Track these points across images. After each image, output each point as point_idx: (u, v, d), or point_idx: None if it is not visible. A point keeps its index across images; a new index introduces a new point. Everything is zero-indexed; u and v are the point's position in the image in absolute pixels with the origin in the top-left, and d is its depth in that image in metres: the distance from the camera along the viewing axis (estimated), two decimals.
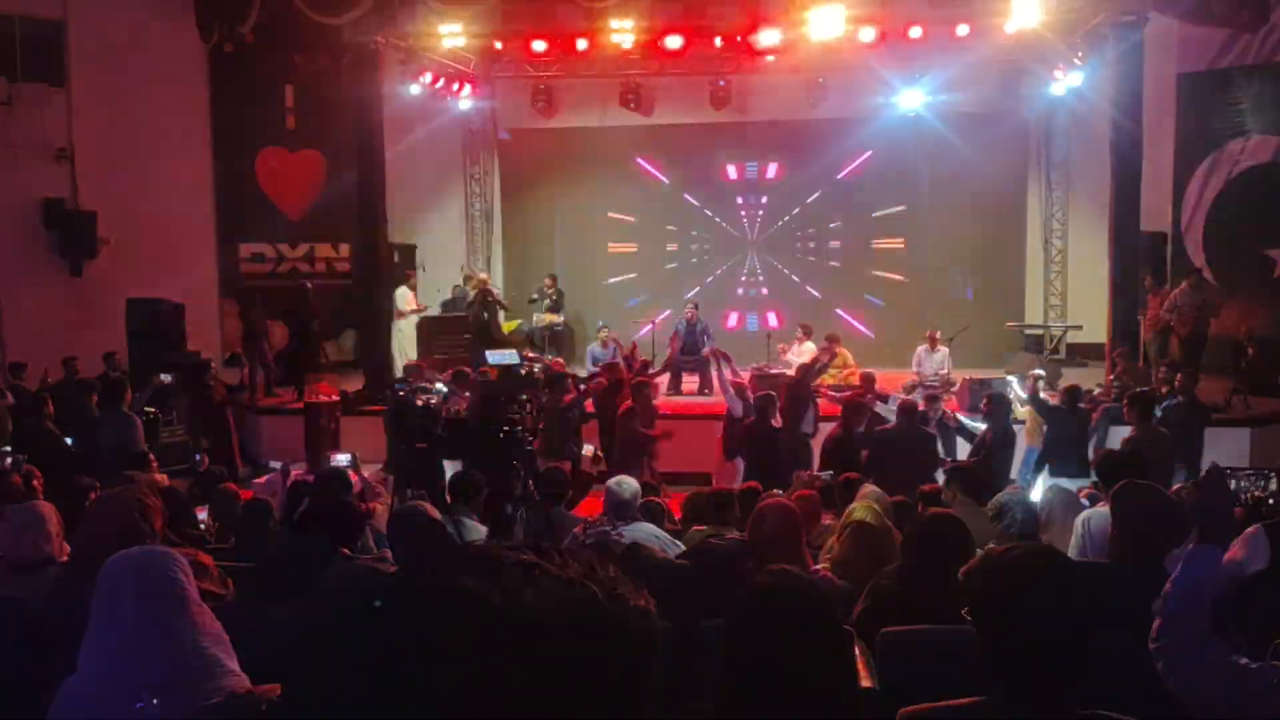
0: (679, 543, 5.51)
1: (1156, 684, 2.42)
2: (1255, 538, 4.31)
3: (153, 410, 11.12)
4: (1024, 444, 10.03)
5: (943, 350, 13.98)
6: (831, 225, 17.79)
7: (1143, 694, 2.41)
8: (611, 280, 18.21)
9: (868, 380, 11.22)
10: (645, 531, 5.31)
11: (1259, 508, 3.23)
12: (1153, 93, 12.97)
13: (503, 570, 0.91)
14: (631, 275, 18.21)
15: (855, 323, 17.12)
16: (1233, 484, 2.77)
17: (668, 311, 16.29)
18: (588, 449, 7.63)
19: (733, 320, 16.20)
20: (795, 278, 17.76)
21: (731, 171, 18.00)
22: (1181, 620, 2.44)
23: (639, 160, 17.93)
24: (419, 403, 7.70)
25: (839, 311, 17.12)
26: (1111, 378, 12.44)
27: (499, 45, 16.07)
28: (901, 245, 17.57)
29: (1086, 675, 1.81)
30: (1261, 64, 13.87)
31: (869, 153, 17.19)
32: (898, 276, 17.53)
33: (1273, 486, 2.88)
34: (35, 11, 13.71)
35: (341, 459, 7.27)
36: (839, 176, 17.45)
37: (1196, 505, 2.55)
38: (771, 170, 17.85)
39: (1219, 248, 14.35)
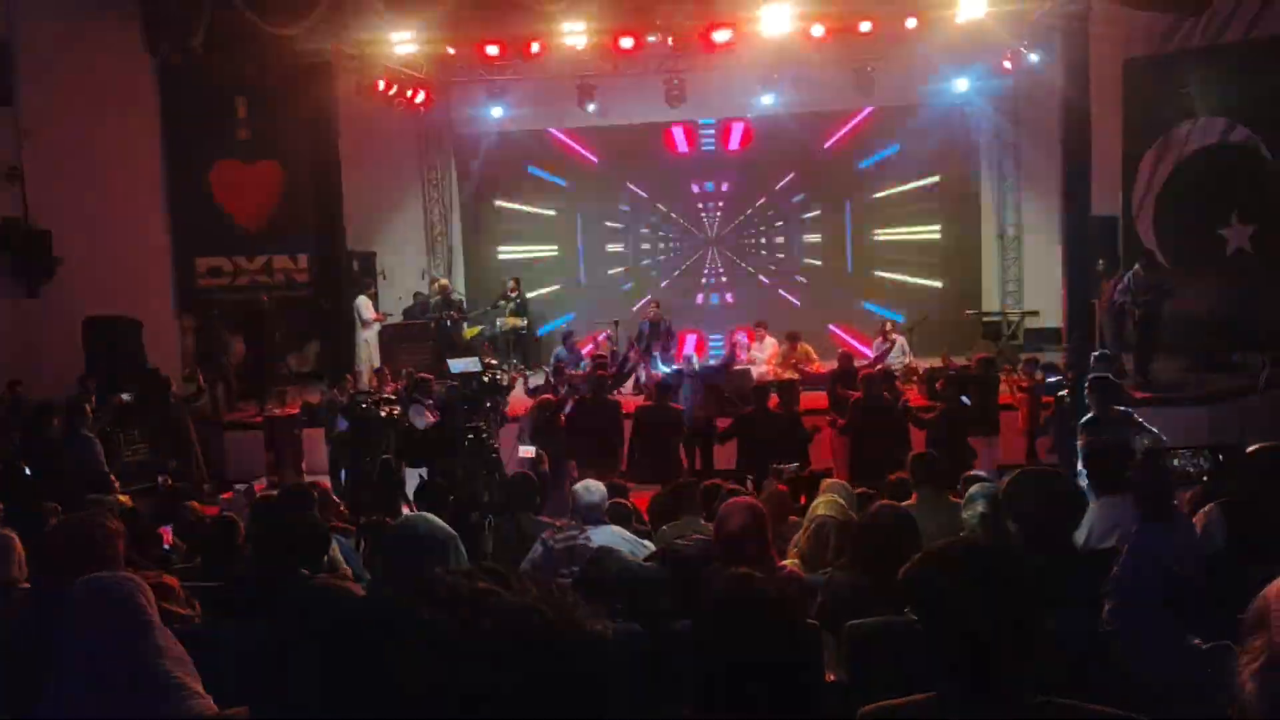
0: (647, 544, 5.54)
1: (1111, 666, 2.47)
2: (1210, 517, 4.40)
3: (114, 429, 11.00)
4: None
5: (898, 339, 14.18)
6: (778, 225, 17.90)
7: (1098, 676, 2.46)
8: (609, 273, 18.23)
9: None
10: (613, 535, 5.33)
11: (1206, 487, 3.32)
12: (1100, 79, 13.13)
13: (460, 599, 0.93)
14: (620, 269, 18.21)
15: (842, 334, 17.06)
16: (1175, 463, 2.83)
17: (644, 300, 16.32)
18: (528, 450, 7.52)
19: (690, 346, 16.22)
20: (764, 279, 17.83)
21: (693, 186, 18.00)
22: (1134, 600, 2.49)
23: (595, 159, 17.92)
24: (383, 414, 7.67)
25: (781, 291, 17.20)
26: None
27: (452, 50, 16.04)
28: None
29: (1036, 663, 1.84)
30: (1206, 47, 14.08)
31: (827, 145, 17.34)
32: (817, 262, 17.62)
33: (1204, 464, 2.96)
34: None
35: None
36: (789, 178, 17.54)
37: (1136, 486, 2.61)
38: (725, 184, 17.87)
39: (1171, 229, 14.55)
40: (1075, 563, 3.36)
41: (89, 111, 14.03)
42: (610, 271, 18.23)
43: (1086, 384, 9.54)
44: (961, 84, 16.28)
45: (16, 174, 13.57)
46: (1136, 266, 13.03)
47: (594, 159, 17.87)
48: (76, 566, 3.59)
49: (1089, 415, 8.97)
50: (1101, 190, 13.49)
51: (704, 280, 18.03)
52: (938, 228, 17.41)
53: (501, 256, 18.32)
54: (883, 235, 17.62)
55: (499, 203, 18.36)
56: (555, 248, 18.35)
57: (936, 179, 17.16)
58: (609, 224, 18.18)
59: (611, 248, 18.25)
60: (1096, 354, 11.47)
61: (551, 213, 18.24)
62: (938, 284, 17.31)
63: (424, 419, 9.72)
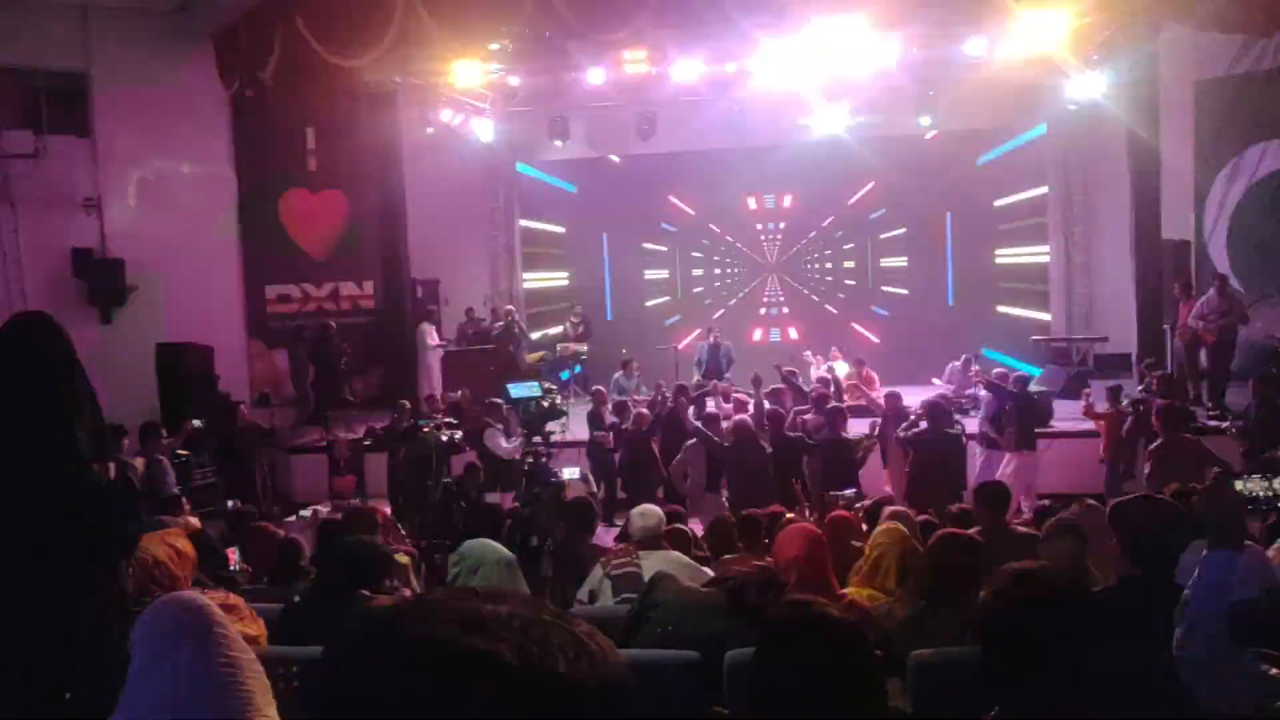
0: (707, 570, 5.50)
1: (1181, 694, 2.41)
2: None
3: (185, 453, 11.23)
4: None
5: (974, 367, 14.12)
6: (846, 246, 17.87)
7: (1165, 705, 2.40)
8: (646, 305, 18.35)
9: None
10: (670, 559, 5.30)
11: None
12: (1169, 101, 12.91)
13: (486, 624, 0.90)
14: (663, 299, 18.36)
15: (869, 334, 17.20)
16: (1245, 488, 2.78)
17: (694, 334, 16.35)
18: (573, 472, 7.40)
19: (757, 335, 16.40)
20: (815, 297, 17.88)
21: (751, 202, 18.08)
22: (1203, 626, 2.43)
23: (669, 196, 18.04)
24: (444, 438, 7.74)
25: (854, 325, 17.20)
26: (1140, 388, 12.34)
27: (514, 81, 16.25)
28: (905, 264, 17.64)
29: (1094, 690, 1.80)
30: (1277, 69, 13.78)
31: (877, 180, 17.29)
32: (903, 291, 17.59)
33: (1276, 491, 2.89)
34: (59, 64, 13.95)
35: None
36: (851, 202, 17.52)
37: (1206, 511, 2.55)
38: (788, 199, 17.92)
39: (1243, 254, 14.20)
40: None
41: (163, 142, 14.42)
42: (649, 303, 18.24)
43: (1155, 412, 9.37)
44: (1025, 109, 16.09)
45: (93, 204, 13.98)
46: (1210, 291, 12.75)
47: (658, 188, 17.99)
48: (146, 587, 3.67)
49: (1156, 443, 8.81)
50: (1173, 213, 13.23)
51: (762, 311, 18.01)
52: (1046, 248, 16.84)
53: (559, 284, 18.47)
54: (1002, 256, 17.21)
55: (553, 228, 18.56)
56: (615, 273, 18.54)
57: (1001, 203, 16.97)
58: (648, 246, 18.23)
59: (651, 274, 18.30)
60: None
61: (610, 238, 18.42)
62: (1046, 316, 16.80)
63: (502, 443, 9.72)
